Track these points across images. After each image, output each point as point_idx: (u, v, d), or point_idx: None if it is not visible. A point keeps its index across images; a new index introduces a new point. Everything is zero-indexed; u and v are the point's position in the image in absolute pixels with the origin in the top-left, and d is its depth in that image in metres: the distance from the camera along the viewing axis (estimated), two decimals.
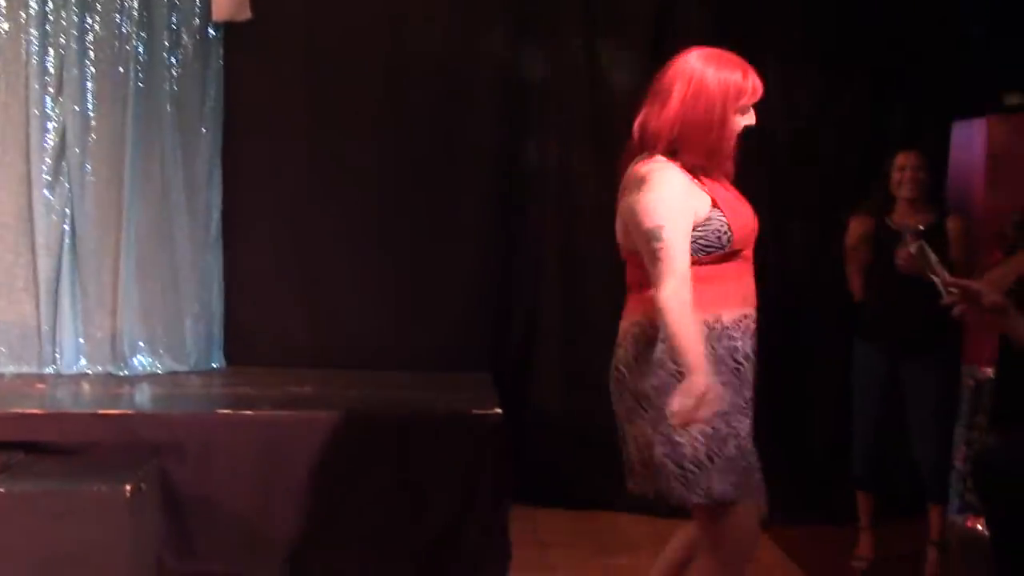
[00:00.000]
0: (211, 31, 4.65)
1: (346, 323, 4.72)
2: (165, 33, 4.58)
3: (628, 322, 2.47)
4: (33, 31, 4.46)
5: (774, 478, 4.44)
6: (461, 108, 4.71)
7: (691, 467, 2.32)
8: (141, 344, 4.58)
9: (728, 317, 2.40)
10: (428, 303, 4.72)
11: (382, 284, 4.71)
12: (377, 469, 3.68)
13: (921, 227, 3.76)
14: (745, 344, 2.44)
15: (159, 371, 4.57)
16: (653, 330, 2.36)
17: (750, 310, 2.47)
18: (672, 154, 2.39)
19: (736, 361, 2.41)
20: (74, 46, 4.49)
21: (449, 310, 4.72)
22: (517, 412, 4.14)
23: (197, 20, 4.62)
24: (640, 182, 2.36)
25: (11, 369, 4.49)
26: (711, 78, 2.35)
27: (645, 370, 2.37)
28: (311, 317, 4.73)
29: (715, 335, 2.38)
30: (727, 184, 2.51)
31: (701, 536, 2.49)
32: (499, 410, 3.78)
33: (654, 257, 2.28)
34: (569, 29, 4.73)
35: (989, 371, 4.09)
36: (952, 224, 3.86)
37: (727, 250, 2.40)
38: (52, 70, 4.51)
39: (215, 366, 4.77)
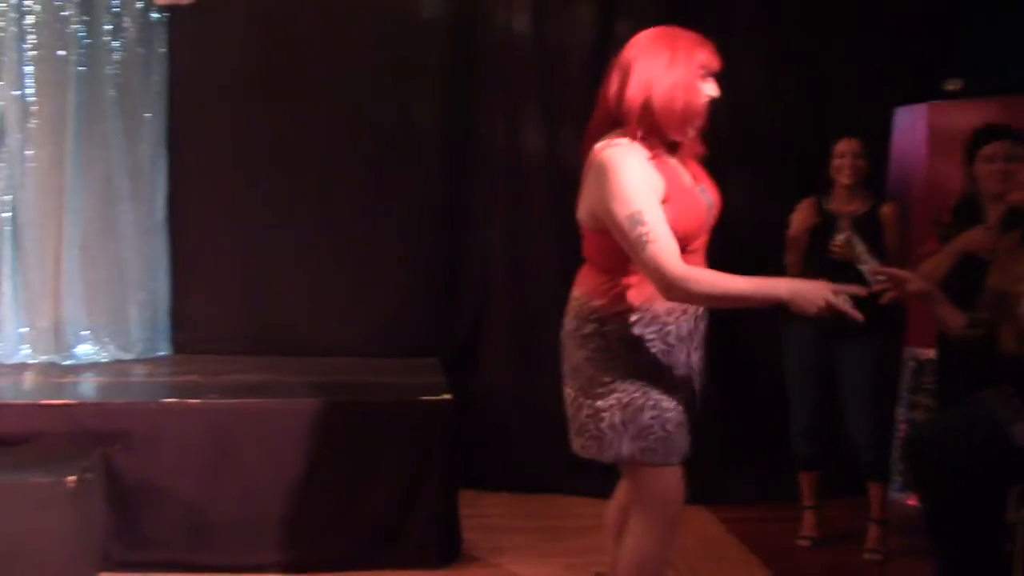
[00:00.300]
0: (154, 15, 4.59)
1: (293, 309, 4.69)
2: (107, 17, 4.51)
3: (573, 293, 2.63)
4: None
5: (720, 459, 4.60)
6: (406, 89, 4.69)
7: (607, 430, 2.52)
8: (85, 332, 4.52)
9: (661, 306, 2.49)
10: (376, 288, 4.71)
11: (329, 269, 4.69)
12: (324, 456, 3.68)
13: (853, 216, 3.81)
14: (680, 327, 2.54)
15: (104, 360, 4.52)
16: (588, 308, 2.54)
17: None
18: (643, 130, 2.43)
19: (667, 343, 2.52)
20: (13, 29, 4.40)
21: (397, 295, 4.71)
22: (466, 396, 4.15)
23: (140, 4, 4.55)
24: (603, 169, 2.40)
25: None
26: (672, 52, 2.42)
27: (579, 342, 2.56)
28: (258, 304, 4.70)
29: (644, 321, 2.49)
30: (694, 166, 2.58)
31: (632, 494, 2.69)
32: (448, 396, 3.80)
33: (641, 242, 2.34)
34: (518, 3, 4.72)
35: (930, 352, 4.18)
36: (887, 210, 3.94)
37: (681, 234, 2.44)
38: None
39: (161, 354, 4.72)
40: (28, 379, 4.22)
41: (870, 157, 3.99)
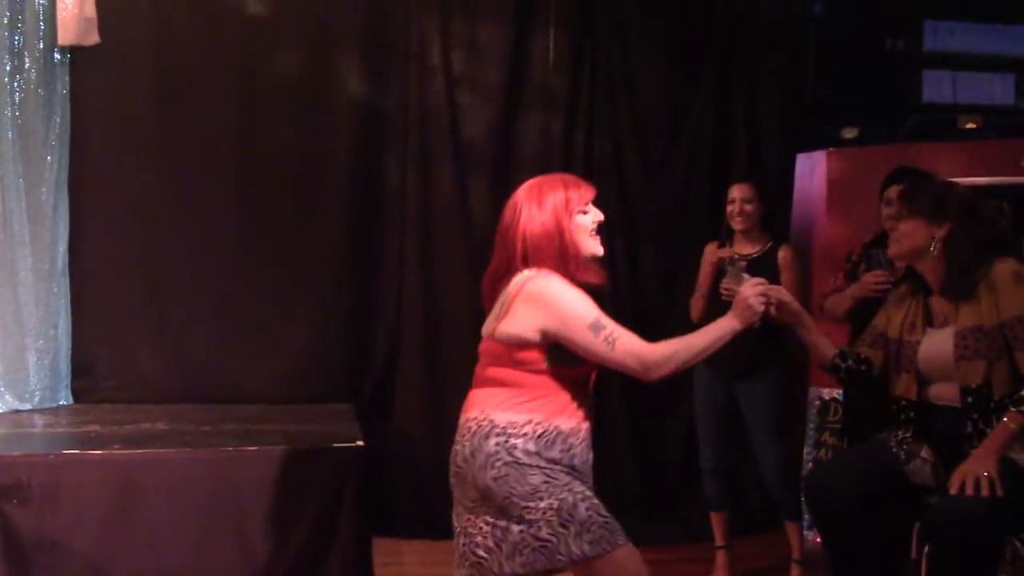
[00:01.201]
0: (56, 55, 4.50)
1: (201, 355, 4.60)
2: (7, 56, 4.40)
3: (465, 417, 2.60)
4: None
5: (634, 501, 4.63)
6: (316, 129, 4.67)
7: (549, 537, 2.47)
8: None
9: (566, 425, 2.55)
10: (287, 333, 4.66)
11: (237, 314, 4.62)
12: (232, 506, 3.59)
13: (736, 256, 3.89)
14: (584, 452, 2.59)
15: (0, 410, 4.36)
16: (489, 424, 2.52)
17: (588, 423, 2.61)
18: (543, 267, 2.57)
19: (574, 466, 2.55)
20: None
21: (308, 340, 4.66)
22: (380, 442, 4.11)
23: (41, 44, 4.46)
24: (539, 296, 2.52)
25: None
26: (540, 198, 2.60)
27: (483, 463, 2.50)
28: (163, 350, 4.60)
29: (548, 439, 2.52)
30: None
31: None
32: (360, 442, 3.75)
33: (610, 343, 2.49)
34: (429, 50, 4.74)
35: (835, 391, 4.29)
36: (783, 253, 4.03)
37: (579, 368, 2.57)
38: None
39: (61, 403, 4.57)
40: None
41: (763, 201, 4.06)
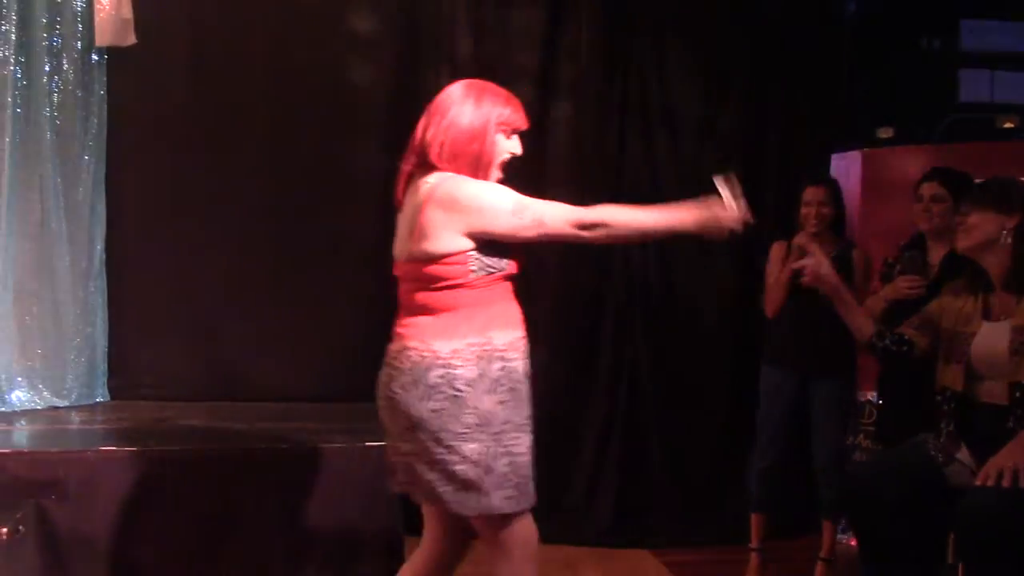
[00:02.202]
0: (94, 56, 4.54)
1: (235, 354, 4.63)
2: (46, 58, 4.45)
3: (402, 344, 2.57)
4: None
5: (666, 501, 4.62)
6: (351, 129, 4.68)
7: (461, 484, 2.48)
8: (19, 379, 4.41)
9: (500, 339, 2.54)
10: (319, 331, 4.67)
11: (271, 312, 4.64)
12: (266, 504, 3.62)
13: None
14: (522, 365, 2.59)
15: (38, 407, 4.41)
16: (430, 354, 2.50)
17: (522, 331, 2.62)
18: (448, 169, 2.56)
19: (513, 381, 2.55)
20: None
21: (344, 338, 4.66)
22: None
23: (79, 44, 4.51)
24: (453, 196, 2.49)
25: None
26: (476, 103, 2.58)
27: (422, 394, 2.49)
28: (198, 348, 4.63)
29: (487, 358, 2.52)
30: None
31: (490, 547, 2.64)
32: None
33: (538, 218, 2.50)
34: (460, 42, 4.73)
35: (868, 394, 4.27)
36: (857, 256, 4.07)
37: (504, 272, 2.56)
38: None
39: (98, 400, 4.62)
40: None
41: (836, 204, 4.07)
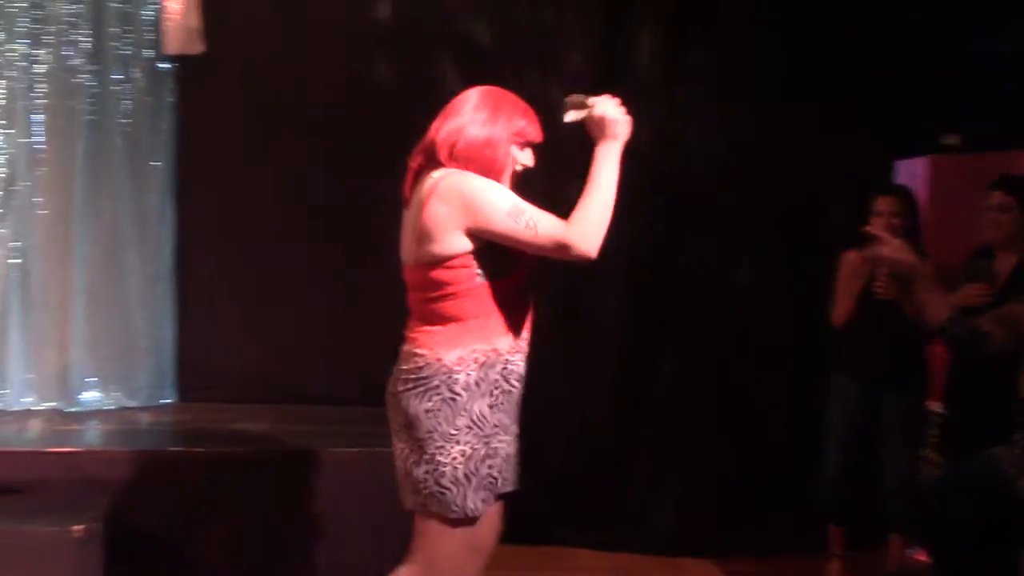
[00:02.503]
0: (163, 64, 4.64)
1: (302, 357, 4.68)
2: (116, 66, 4.55)
3: (411, 349, 2.62)
4: None
5: (729, 510, 4.59)
6: (417, 133, 4.70)
7: (449, 485, 2.52)
8: (91, 379, 4.52)
9: (505, 344, 2.57)
10: (386, 335, 4.67)
11: (338, 316, 4.69)
12: (330, 506, 3.67)
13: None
14: (521, 367, 2.63)
15: (109, 407, 4.51)
16: (436, 363, 2.54)
17: (526, 333, 2.64)
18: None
19: (510, 384, 2.60)
20: (23, 78, 4.45)
21: None
22: None
23: (149, 53, 4.61)
24: (456, 191, 2.50)
25: None
26: (493, 111, 2.59)
27: (420, 395, 2.54)
28: (264, 351, 4.69)
29: (489, 363, 2.56)
30: None
31: (418, 545, 2.64)
32: None
33: (531, 227, 2.47)
34: (517, 47, 4.75)
35: (935, 405, 4.20)
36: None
37: (509, 279, 2.56)
38: (1, 102, 4.46)
39: (166, 401, 4.71)
40: (33, 426, 4.22)
41: (908, 213, 4.00)
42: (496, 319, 2.55)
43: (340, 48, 4.72)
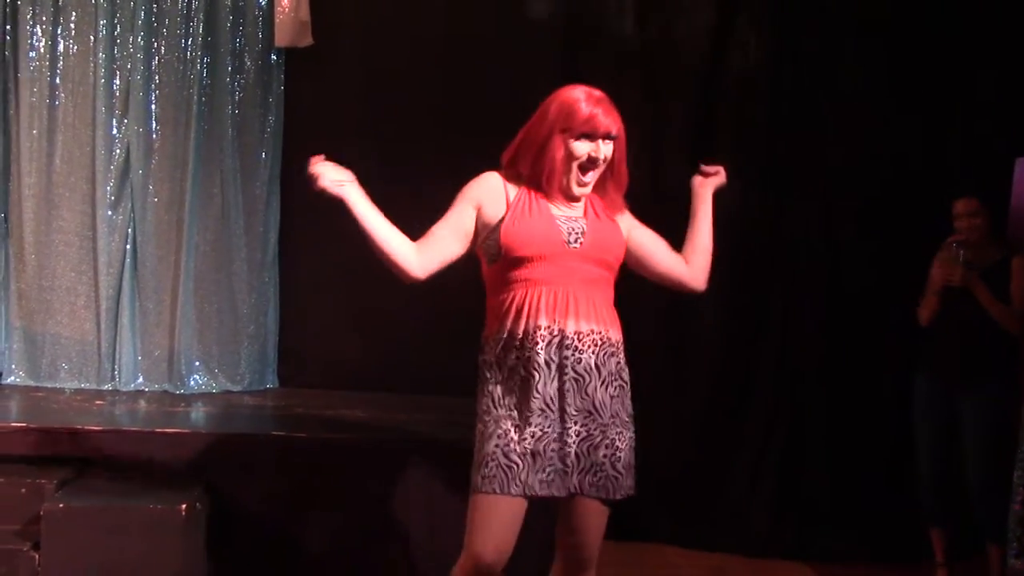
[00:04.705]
0: (273, 56, 4.73)
1: (400, 346, 4.72)
2: (229, 58, 4.67)
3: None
4: (101, 54, 4.58)
5: (825, 513, 4.48)
6: (520, 125, 4.69)
7: (475, 455, 2.64)
8: (197, 363, 4.65)
9: (520, 328, 2.58)
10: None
11: (438, 306, 4.70)
12: (423, 495, 3.68)
13: (981, 267, 3.87)
14: (544, 354, 2.56)
15: (214, 390, 4.64)
16: (481, 337, 2.70)
17: (546, 321, 2.58)
18: (511, 163, 2.73)
19: (526, 371, 2.57)
20: (140, 68, 4.60)
21: None
22: None
23: (260, 45, 4.71)
24: None
25: (71, 385, 4.59)
26: (556, 101, 2.63)
27: (480, 376, 2.69)
28: (364, 340, 4.75)
29: (504, 346, 2.62)
30: (568, 203, 2.67)
31: None
32: None
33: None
34: (626, 44, 4.72)
35: None
36: (1017, 262, 3.91)
37: (507, 260, 2.61)
38: (118, 92, 4.62)
39: (268, 387, 4.81)
40: (142, 407, 4.35)
41: (989, 213, 3.97)
42: (506, 303, 2.62)
43: (448, 41, 4.74)
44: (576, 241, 2.61)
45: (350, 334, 4.76)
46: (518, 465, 2.54)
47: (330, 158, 4.67)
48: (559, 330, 2.56)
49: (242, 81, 4.70)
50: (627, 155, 2.68)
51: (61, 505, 3.30)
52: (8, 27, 4.59)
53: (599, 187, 2.68)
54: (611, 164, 2.64)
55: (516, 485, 2.53)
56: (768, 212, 4.61)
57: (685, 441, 4.62)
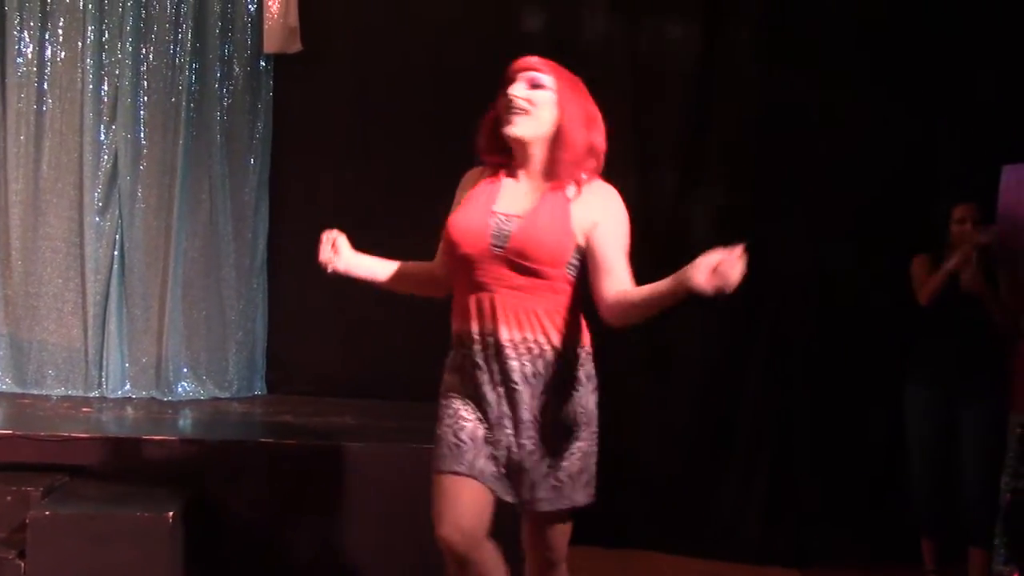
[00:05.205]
0: (262, 63, 4.73)
1: (389, 353, 4.71)
2: (217, 64, 4.67)
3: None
4: (89, 60, 4.57)
5: (830, 522, 4.48)
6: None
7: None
8: (185, 370, 4.64)
9: (456, 327, 2.56)
10: None
11: (425, 316, 4.69)
12: (413, 501, 3.66)
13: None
14: (481, 359, 2.49)
15: (202, 397, 4.62)
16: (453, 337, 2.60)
17: (483, 329, 2.48)
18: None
19: (472, 373, 2.51)
20: (129, 74, 4.59)
21: None
22: None
23: (248, 52, 4.70)
24: None
25: (58, 392, 4.57)
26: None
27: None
28: (352, 347, 4.75)
29: (453, 343, 2.58)
30: (552, 197, 2.50)
31: None
32: None
33: None
34: (615, 47, 4.72)
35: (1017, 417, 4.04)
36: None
37: (454, 256, 2.53)
38: (106, 98, 4.61)
39: (256, 393, 4.80)
40: (130, 414, 4.34)
41: (987, 220, 3.99)
42: (455, 304, 2.57)
43: (436, 47, 4.74)
44: (500, 244, 2.46)
45: (338, 341, 4.76)
46: (465, 444, 2.47)
47: (317, 163, 4.73)
48: (493, 338, 2.47)
49: (231, 87, 4.70)
50: (594, 131, 2.54)
51: (47, 512, 3.28)
52: None
53: (552, 159, 2.51)
54: (558, 129, 2.49)
55: (462, 464, 2.46)
56: (758, 214, 4.61)
57: (675, 450, 4.61)
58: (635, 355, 4.54)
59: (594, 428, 2.59)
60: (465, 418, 2.50)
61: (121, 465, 3.65)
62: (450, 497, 2.46)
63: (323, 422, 4.17)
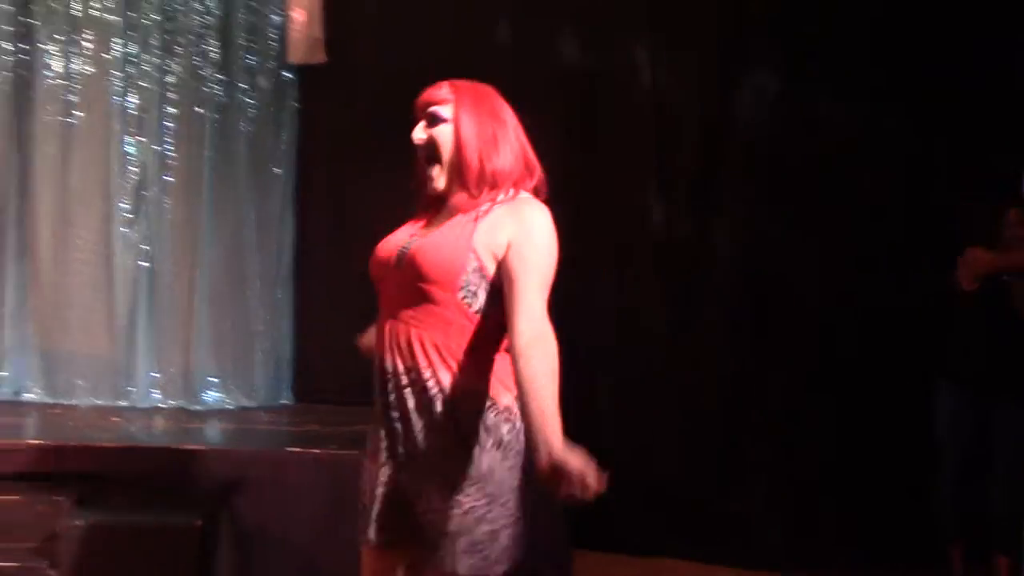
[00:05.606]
0: (286, 73, 4.76)
1: None
2: (242, 75, 4.71)
3: None
4: (116, 73, 4.61)
5: (854, 528, 4.45)
6: (540, 151, 4.71)
7: None
8: (212, 379, 4.66)
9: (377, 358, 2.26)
10: None
11: None
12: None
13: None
14: (378, 390, 2.24)
15: (229, 406, 4.65)
16: None
17: (380, 356, 2.23)
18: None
19: (376, 406, 2.26)
20: (155, 87, 4.63)
21: None
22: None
23: (273, 63, 4.74)
24: None
25: (87, 401, 4.60)
26: None
27: None
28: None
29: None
30: (457, 217, 2.28)
31: None
32: None
33: None
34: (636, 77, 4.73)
35: None
36: None
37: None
38: (133, 111, 4.64)
39: (283, 402, 4.83)
40: (158, 423, 4.37)
41: None
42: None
43: (460, 58, 4.75)
44: (399, 263, 2.25)
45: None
46: (365, 507, 2.28)
47: (343, 173, 4.76)
48: (385, 366, 2.21)
49: (256, 98, 4.73)
50: (499, 140, 2.35)
51: (78, 522, 3.31)
52: (24, 46, 4.62)
53: (455, 182, 2.32)
54: (456, 151, 2.31)
55: (362, 532, 2.27)
56: (775, 223, 4.60)
57: (695, 457, 4.60)
58: (654, 359, 4.54)
59: (492, 492, 2.13)
60: (367, 477, 2.30)
61: (150, 474, 3.66)
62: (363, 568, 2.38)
63: (350, 431, 4.17)
